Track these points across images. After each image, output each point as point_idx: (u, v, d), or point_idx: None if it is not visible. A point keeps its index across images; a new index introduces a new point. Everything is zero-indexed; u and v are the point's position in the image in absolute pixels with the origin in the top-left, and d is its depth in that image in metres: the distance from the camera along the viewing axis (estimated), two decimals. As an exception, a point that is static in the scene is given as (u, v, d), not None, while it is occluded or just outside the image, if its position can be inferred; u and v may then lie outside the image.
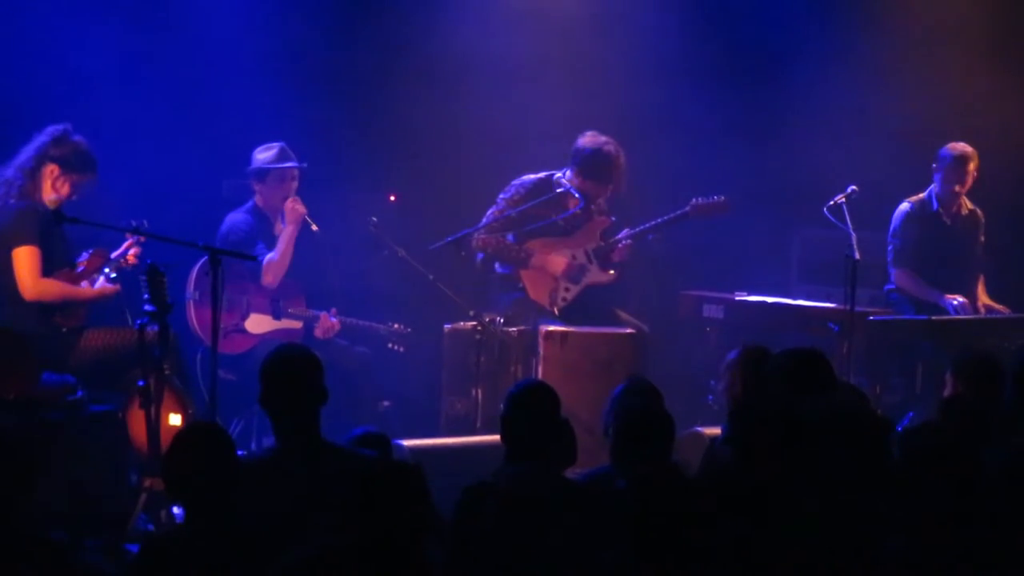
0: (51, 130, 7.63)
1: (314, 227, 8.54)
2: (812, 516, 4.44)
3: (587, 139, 8.80)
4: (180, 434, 4.85)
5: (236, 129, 9.21)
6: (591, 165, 8.75)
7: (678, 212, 8.96)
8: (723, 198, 8.97)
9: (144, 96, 9.12)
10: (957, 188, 9.22)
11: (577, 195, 8.82)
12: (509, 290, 8.84)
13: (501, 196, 8.86)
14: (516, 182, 8.89)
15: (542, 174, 8.90)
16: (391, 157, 9.91)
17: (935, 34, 10.11)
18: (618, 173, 8.79)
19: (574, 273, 8.86)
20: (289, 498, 4.93)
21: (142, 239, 7.54)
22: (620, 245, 8.87)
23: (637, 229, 8.92)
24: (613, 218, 8.94)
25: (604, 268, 8.95)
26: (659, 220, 8.95)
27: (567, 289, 8.87)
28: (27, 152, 7.60)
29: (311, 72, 9.63)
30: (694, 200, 8.95)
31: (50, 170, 7.58)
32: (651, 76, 10.08)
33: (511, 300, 8.79)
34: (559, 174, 8.89)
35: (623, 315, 8.92)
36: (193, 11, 9.34)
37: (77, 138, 7.63)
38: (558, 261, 8.85)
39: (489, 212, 8.81)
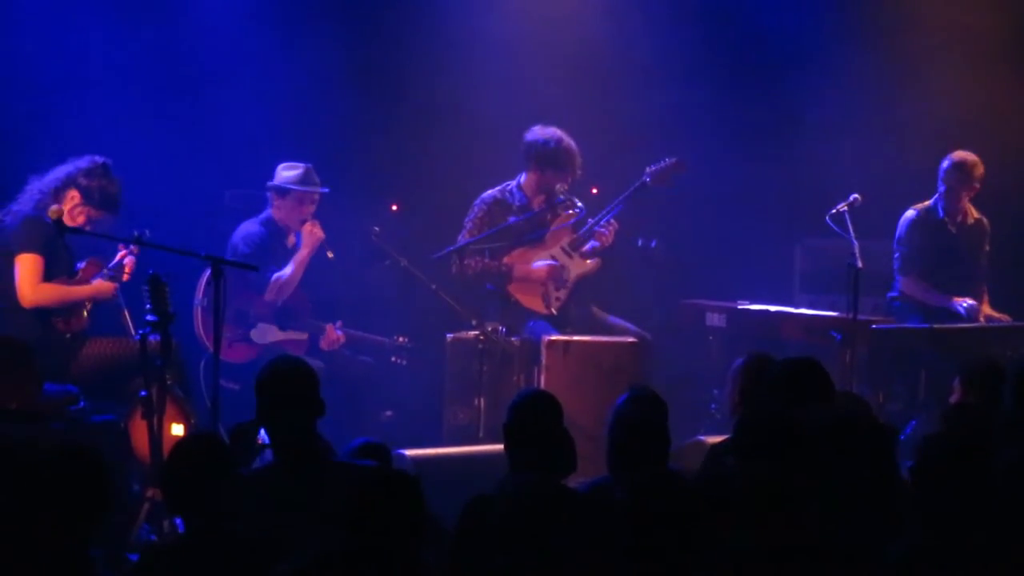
0: (89, 159, 7.68)
1: (330, 254, 8.54)
2: (813, 524, 4.43)
3: (537, 132, 8.80)
4: (178, 445, 4.84)
5: (239, 139, 9.23)
6: (546, 156, 8.74)
7: (636, 184, 8.88)
8: (676, 158, 8.90)
9: (147, 106, 9.14)
10: (964, 196, 9.20)
11: (578, 204, 8.81)
12: (504, 302, 8.83)
13: (467, 219, 8.85)
14: (477, 200, 8.89)
15: (498, 187, 8.91)
16: (393, 167, 9.92)
17: (939, 44, 10.10)
18: (572, 159, 8.77)
19: (557, 273, 8.84)
20: (286, 511, 4.92)
21: (135, 250, 7.54)
22: (598, 230, 8.83)
23: (602, 213, 8.88)
24: (579, 207, 8.87)
25: (584, 258, 8.93)
26: (620, 198, 8.88)
27: (557, 290, 8.86)
28: (59, 171, 7.65)
29: (313, 82, 9.63)
30: (648, 168, 8.90)
31: (71, 195, 7.61)
32: (655, 86, 10.09)
33: (508, 311, 8.77)
34: (513, 183, 8.90)
35: (620, 323, 8.89)
36: (197, 21, 9.35)
37: (111, 176, 7.66)
38: (539, 268, 8.83)
39: (460, 236, 8.79)
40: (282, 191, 8.61)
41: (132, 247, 7.54)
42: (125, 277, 7.58)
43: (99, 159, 7.67)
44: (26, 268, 7.46)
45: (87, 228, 7.61)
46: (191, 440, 5.07)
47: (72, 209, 7.60)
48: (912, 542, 4.42)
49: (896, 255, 9.30)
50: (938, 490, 4.43)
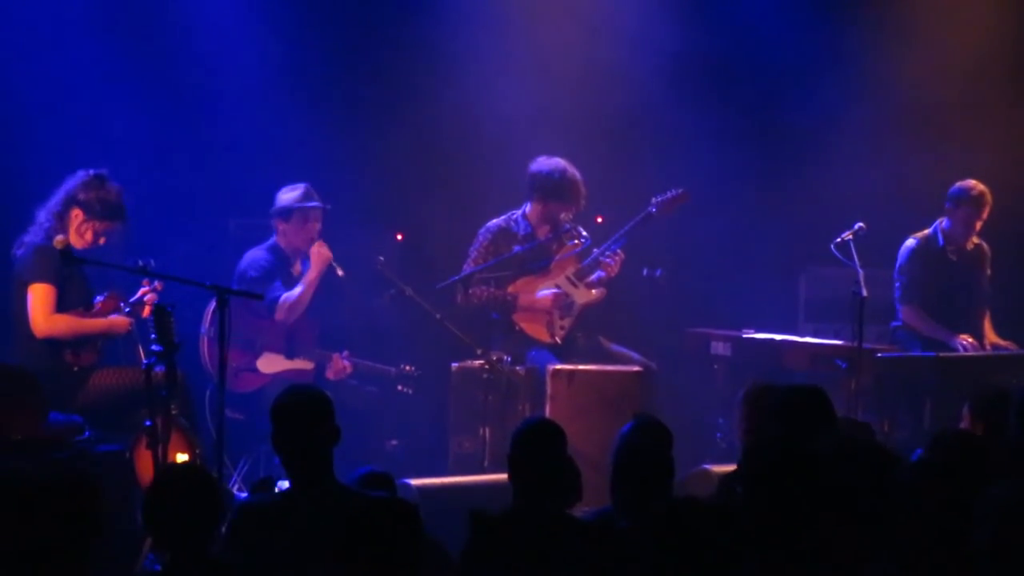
0: (81, 174, 7.69)
1: (340, 272, 8.55)
2: (818, 552, 4.43)
3: (542, 162, 8.83)
4: (157, 478, 4.82)
5: (244, 168, 9.25)
6: (551, 186, 8.77)
7: (642, 214, 8.90)
8: (682, 190, 8.91)
9: (152, 135, 9.16)
10: (977, 226, 9.19)
11: (583, 234, 8.83)
12: (508, 331, 8.84)
13: (472, 248, 8.87)
14: (482, 230, 8.91)
15: (503, 216, 8.93)
16: (398, 196, 9.93)
17: (942, 74, 10.12)
18: (576, 190, 8.78)
19: (562, 302, 8.85)
20: (298, 539, 4.91)
21: (159, 287, 7.55)
22: (604, 260, 8.84)
23: (608, 242, 8.89)
24: (584, 236, 8.89)
25: (590, 288, 8.93)
26: (626, 228, 8.90)
27: (562, 318, 8.87)
28: (57, 195, 7.66)
29: (318, 111, 9.65)
30: (654, 199, 8.91)
31: (75, 214, 7.63)
32: (661, 116, 10.11)
33: (512, 340, 8.77)
34: (518, 212, 8.92)
35: (624, 352, 8.89)
36: (203, 49, 9.38)
37: (107, 185, 7.66)
38: (543, 297, 8.84)
39: (465, 266, 8.81)
40: (285, 213, 8.63)
41: (156, 283, 7.54)
42: (145, 313, 7.55)
43: (91, 171, 7.68)
44: (38, 298, 7.47)
45: (100, 242, 7.63)
46: (171, 471, 5.04)
47: (79, 227, 7.62)
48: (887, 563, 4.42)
49: (897, 284, 9.30)
50: (918, 514, 4.43)
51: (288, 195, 8.66)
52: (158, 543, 4.82)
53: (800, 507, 4.52)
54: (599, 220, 9.30)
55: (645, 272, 9.01)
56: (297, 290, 8.52)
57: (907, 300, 9.25)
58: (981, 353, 9.03)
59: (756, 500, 4.57)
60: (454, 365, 8.66)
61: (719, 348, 9.30)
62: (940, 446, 5.45)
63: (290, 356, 8.62)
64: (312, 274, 8.52)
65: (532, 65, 9.99)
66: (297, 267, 8.69)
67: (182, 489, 4.69)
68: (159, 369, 6.79)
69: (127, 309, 7.60)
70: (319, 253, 8.51)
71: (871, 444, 5.30)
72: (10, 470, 4.43)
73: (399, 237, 9.94)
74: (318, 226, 8.64)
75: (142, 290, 7.63)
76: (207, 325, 8.32)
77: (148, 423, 6.79)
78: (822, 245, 8.80)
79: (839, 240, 8.68)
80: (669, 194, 8.90)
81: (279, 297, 8.48)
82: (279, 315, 8.51)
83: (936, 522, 4.41)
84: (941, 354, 8.84)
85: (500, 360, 8.40)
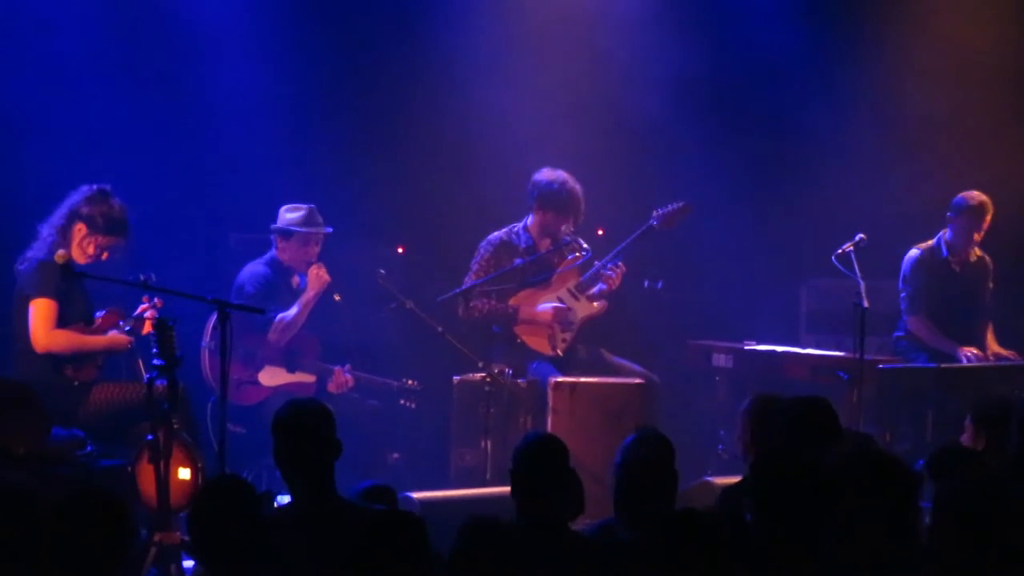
0: (84, 189, 7.68)
1: (336, 297, 8.53)
2: (826, 564, 4.42)
3: (544, 175, 8.84)
4: (205, 487, 4.84)
5: (244, 182, 9.26)
6: (552, 199, 8.78)
7: (643, 227, 8.90)
8: (683, 202, 8.91)
9: (153, 149, 9.16)
10: (976, 236, 9.19)
11: (584, 246, 8.83)
12: (510, 344, 8.84)
13: (473, 260, 8.88)
14: (483, 242, 8.92)
15: (505, 229, 8.93)
16: (399, 209, 9.94)
17: (944, 86, 10.13)
18: (576, 203, 8.79)
19: (563, 315, 8.85)
20: (304, 552, 4.91)
21: (158, 303, 7.55)
22: (605, 272, 8.85)
23: (610, 255, 8.90)
24: (585, 249, 8.90)
25: (591, 300, 8.93)
26: (627, 241, 8.90)
27: (563, 331, 8.87)
28: (61, 209, 7.66)
29: (319, 126, 9.67)
30: (656, 211, 8.92)
31: (78, 228, 7.63)
32: (662, 128, 10.11)
33: (513, 353, 8.77)
34: (520, 225, 8.93)
35: (626, 364, 8.89)
36: (203, 65, 9.39)
37: (111, 200, 7.66)
38: (545, 310, 8.85)
39: (466, 279, 8.82)
40: (286, 233, 8.62)
41: (156, 300, 7.54)
42: (145, 330, 7.55)
43: (95, 186, 7.69)
44: (40, 313, 7.47)
45: (103, 257, 7.62)
46: (218, 482, 5.06)
47: (81, 241, 7.62)
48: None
49: (902, 295, 9.30)
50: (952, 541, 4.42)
51: (290, 215, 8.63)
52: (200, 550, 4.83)
53: (808, 519, 4.51)
54: (600, 232, 9.30)
55: (646, 284, 9.01)
56: (293, 310, 8.50)
57: (914, 310, 9.25)
58: (982, 363, 9.03)
59: (764, 512, 4.56)
60: (455, 378, 8.65)
61: (720, 360, 9.30)
62: (938, 468, 5.45)
63: (291, 369, 8.61)
64: (308, 296, 8.49)
65: (535, 78, 9.99)
66: (295, 280, 8.68)
67: (230, 498, 4.71)
68: (161, 383, 6.80)
69: (127, 327, 7.60)
70: (318, 277, 8.48)
71: (887, 456, 5.28)
72: (43, 491, 4.45)
73: (400, 250, 9.95)
74: (317, 249, 8.62)
75: (142, 307, 7.63)
76: (208, 339, 8.31)
77: (150, 437, 6.79)
78: (823, 256, 8.80)
79: (840, 251, 8.68)
80: (670, 207, 8.90)
81: (274, 317, 8.47)
82: (272, 336, 8.49)
83: (948, 532, 4.40)
84: (943, 365, 8.84)
85: (502, 373, 8.40)
